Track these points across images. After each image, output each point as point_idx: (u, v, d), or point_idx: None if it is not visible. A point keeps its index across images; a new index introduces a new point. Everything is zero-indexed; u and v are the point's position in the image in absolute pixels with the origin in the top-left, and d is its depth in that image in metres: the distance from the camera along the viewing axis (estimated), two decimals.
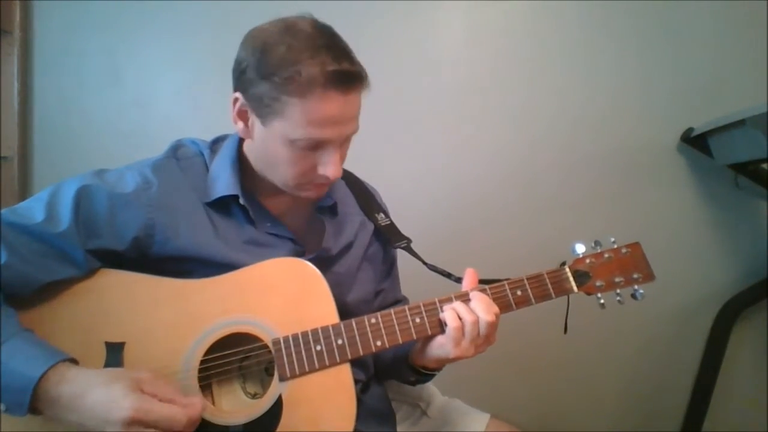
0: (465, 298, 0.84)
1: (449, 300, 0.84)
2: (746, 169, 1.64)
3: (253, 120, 0.82)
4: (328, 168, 0.81)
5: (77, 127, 1.62)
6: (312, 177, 0.83)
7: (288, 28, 0.78)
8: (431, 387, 1.13)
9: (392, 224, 1.05)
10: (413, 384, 1.02)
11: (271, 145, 0.81)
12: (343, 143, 0.84)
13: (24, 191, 1.59)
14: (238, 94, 0.82)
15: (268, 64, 0.77)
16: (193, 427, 0.69)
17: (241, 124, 0.84)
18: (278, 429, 0.76)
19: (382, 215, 1.04)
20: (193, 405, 0.68)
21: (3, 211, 0.75)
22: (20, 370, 0.65)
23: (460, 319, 0.80)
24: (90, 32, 1.61)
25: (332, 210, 0.97)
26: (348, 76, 0.77)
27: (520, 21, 1.68)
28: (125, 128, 1.62)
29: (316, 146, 0.80)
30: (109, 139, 1.61)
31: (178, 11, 1.62)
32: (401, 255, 1.07)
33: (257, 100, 0.79)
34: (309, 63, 0.75)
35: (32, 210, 0.76)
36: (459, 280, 0.94)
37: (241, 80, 0.81)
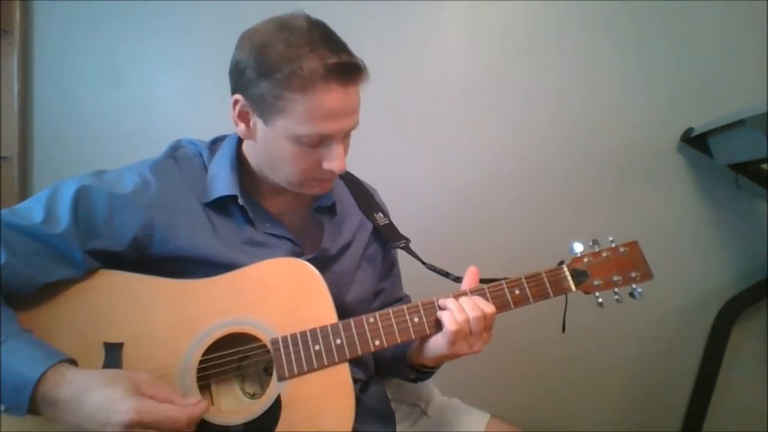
0: (462, 297, 0.84)
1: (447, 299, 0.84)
2: (746, 169, 1.64)
3: (255, 120, 0.82)
4: (333, 162, 0.81)
5: (77, 127, 1.62)
6: (317, 173, 0.83)
7: (283, 25, 0.79)
8: (431, 386, 1.13)
9: (391, 224, 1.05)
10: (414, 381, 1.02)
11: (276, 144, 0.81)
12: (345, 136, 0.84)
13: (24, 191, 1.59)
14: (238, 96, 0.82)
15: (267, 62, 0.77)
16: (192, 427, 0.69)
17: (242, 126, 0.84)
18: (277, 429, 0.76)
19: (380, 215, 1.04)
20: (193, 405, 0.69)
21: (2, 211, 0.76)
22: (19, 370, 0.65)
23: (457, 321, 0.80)
24: (90, 32, 1.61)
25: (331, 210, 0.97)
26: (348, 68, 0.77)
27: (520, 21, 1.68)
28: (125, 128, 1.62)
29: (320, 141, 0.80)
30: (109, 140, 1.61)
31: (179, 11, 1.62)
32: (400, 255, 1.07)
33: (259, 99, 0.79)
34: (309, 57, 0.75)
35: (31, 211, 0.76)
36: (458, 279, 0.94)
37: (240, 81, 0.81)
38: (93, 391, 0.64)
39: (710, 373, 1.72)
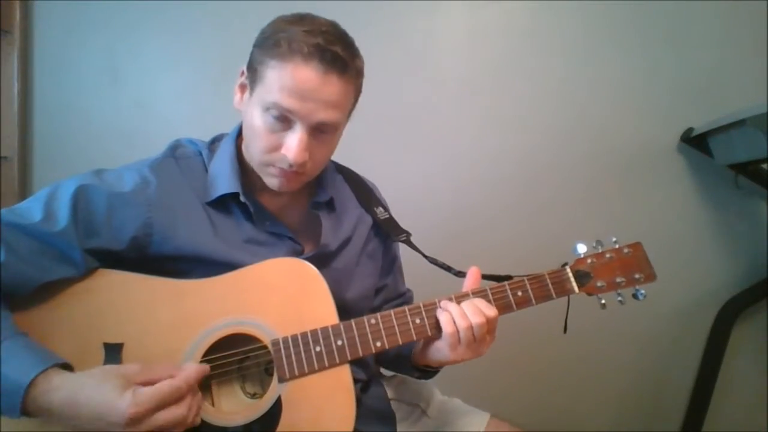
0: (464, 299, 0.84)
1: (450, 301, 0.84)
2: (746, 169, 1.64)
3: (247, 91, 0.84)
4: (290, 150, 0.79)
5: (77, 127, 1.62)
6: (276, 158, 0.82)
7: (306, 15, 0.81)
8: (431, 386, 1.13)
9: (391, 218, 1.04)
10: (418, 378, 1.02)
11: (250, 115, 0.82)
12: (314, 131, 0.81)
13: (24, 191, 1.59)
14: (244, 68, 0.85)
15: (265, 33, 0.81)
16: (194, 385, 0.70)
17: (238, 96, 0.87)
18: (278, 430, 0.76)
19: (381, 209, 1.04)
20: (187, 369, 0.70)
21: (2, 210, 0.75)
22: (10, 375, 0.64)
23: (454, 323, 0.80)
24: (90, 32, 1.61)
25: (329, 205, 0.96)
26: (332, 56, 0.77)
27: (520, 21, 1.68)
28: (125, 128, 1.62)
29: (286, 122, 0.79)
30: (109, 140, 1.61)
31: (178, 11, 1.62)
32: (402, 250, 1.07)
33: (252, 68, 0.82)
34: (300, 34, 0.77)
35: (30, 210, 0.76)
36: (459, 273, 0.94)
37: (249, 57, 0.84)
38: (85, 392, 0.64)
39: (710, 373, 1.72)
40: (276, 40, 0.78)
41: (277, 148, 0.81)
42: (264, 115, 0.80)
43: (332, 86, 0.78)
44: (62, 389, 0.64)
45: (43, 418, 0.66)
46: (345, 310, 0.83)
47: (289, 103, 0.77)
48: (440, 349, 0.83)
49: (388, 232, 1.02)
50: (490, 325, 0.82)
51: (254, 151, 0.84)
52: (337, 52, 0.77)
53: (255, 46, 0.82)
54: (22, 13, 1.57)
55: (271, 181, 0.85)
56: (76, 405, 0.64)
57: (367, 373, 0.99)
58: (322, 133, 0.82)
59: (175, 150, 0.91)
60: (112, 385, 0.64)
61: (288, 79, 0.77)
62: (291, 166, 0.81)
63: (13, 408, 0.64)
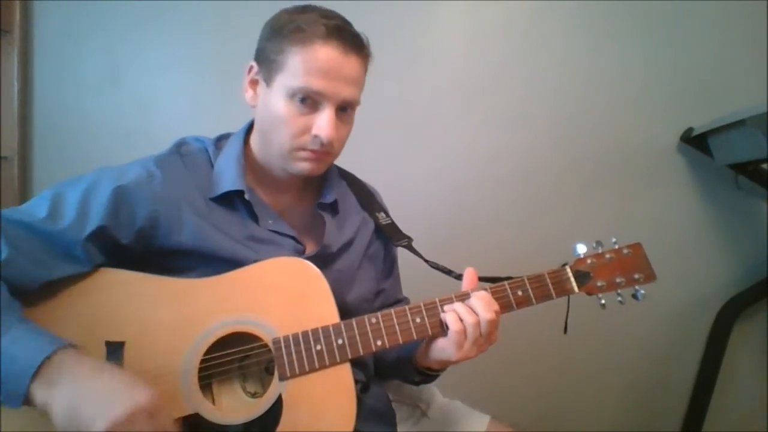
0: (465, 298, 0.84)
1: (450, 300, 0.84)
2: (746, 169, 1.64)
3: (261, 84, 0.86)
4: (323, 128, 0.81)
5: (77, 127, 1.62)
6: (305, 141, 0.83)
7: (308, 4, 0.86)
8: (432, 388, 1.13)
9: (393, 223, 1.05)
10: (417, 384, 1.01)
11: (273, 105, 0.83)
12: (338, 110, 0.84)
13: (24, 191, 1.59)
14: (252, 62, 0.88)
15: (277, 24, 0.84)
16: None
17: (250, 92, 0.89)
18: (278, 428, 0.76)
19: (382, 214, 1.04)
20: None
21: (5, 210, 0.76)
22: (31, 346, 0.64)
23: (461, 321, 0.80)
24: (90, 32, 1.61)
25: (333, 207, 0.97)
26: (350, 35, 0.82)
27: (520, 21, 1.68)
28: (125, 128, 1.62)
29: (312, 104, 0.82)
30: (109, 140, 1.61)
31: (179, 11, 1.62)
32: (402, 255, 1.07)
33: (266, 60, 0.84)
34: (315, 19, 0.81)
35: (35, 207, 0.77)
36: (460, 277, 0.94)
37: (256, 52, 0.87)
38: (111, 369, 0.66)
39: (710, 373, 1.73)
40: (295, 27, 0.81)
41: (305, 131, 0.83)
42: (290, 102, 0.82)
43: (353, 64, 0.83)
44: (88, 359, 0.66)
45: (45, 394, 0.62)
46: (345, 313, 0.83)
47: (317, 84, 0.80)
48: (445, 349, 0.83)
49: (389, 237, 1.02)
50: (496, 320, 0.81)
51: (281, 139, 0.84)
52: (354, 32, 0.84)
53: (266, 39, 0.85)
54: (22, 13, 1.57)
55: (302, 166, 0.86)
56: (102, 372, 0.65)
57: (366, 374, 0.98)
58: (343, 112, 0.85)
59: (179, 147, 0.92)
60: (135, 377, 0.66)
61: (312, 61, 0.80)
62: (323, 145, 0.83)
63: (21, 383, 0.62)
